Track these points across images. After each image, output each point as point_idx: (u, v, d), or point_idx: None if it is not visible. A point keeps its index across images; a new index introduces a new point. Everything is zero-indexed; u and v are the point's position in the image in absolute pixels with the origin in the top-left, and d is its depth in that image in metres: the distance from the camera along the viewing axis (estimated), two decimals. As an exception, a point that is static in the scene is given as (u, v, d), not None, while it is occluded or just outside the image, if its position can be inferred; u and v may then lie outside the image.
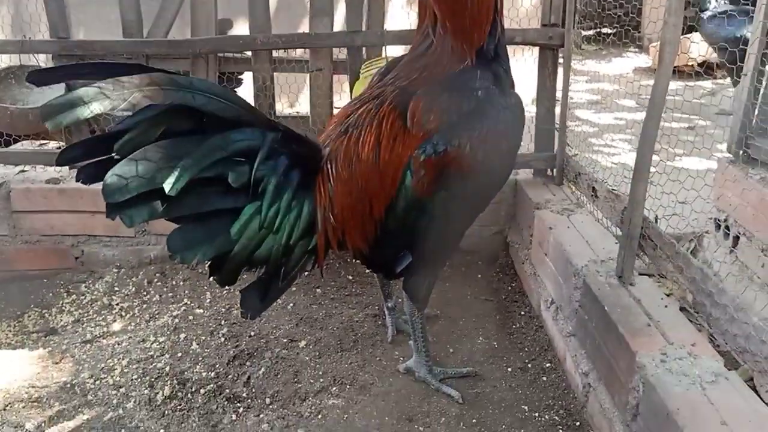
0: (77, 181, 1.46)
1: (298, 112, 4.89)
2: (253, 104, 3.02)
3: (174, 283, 2.83)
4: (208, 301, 2.70)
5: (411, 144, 1.68)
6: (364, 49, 2.98)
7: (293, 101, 5.00)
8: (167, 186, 1.41)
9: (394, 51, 2.85)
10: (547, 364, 2.24)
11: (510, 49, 1.80)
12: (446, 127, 1.67)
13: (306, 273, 1.81)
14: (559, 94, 2.83)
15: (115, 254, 2.96)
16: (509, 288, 2.77)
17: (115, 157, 1.41)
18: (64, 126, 1.37)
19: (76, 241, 2.96)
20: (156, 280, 2.85)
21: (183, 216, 1.53)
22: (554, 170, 2.90)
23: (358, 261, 1.89)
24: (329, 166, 1.74)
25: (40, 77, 1.46)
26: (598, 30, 6.92)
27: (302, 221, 1.68)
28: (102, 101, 1.35)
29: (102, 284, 2.84)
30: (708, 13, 5.49)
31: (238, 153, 1.55)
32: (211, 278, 1.67)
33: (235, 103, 1.54)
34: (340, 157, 1.74)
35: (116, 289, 2.81)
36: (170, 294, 2.77)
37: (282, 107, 4.73)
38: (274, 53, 2.98)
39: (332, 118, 1.94)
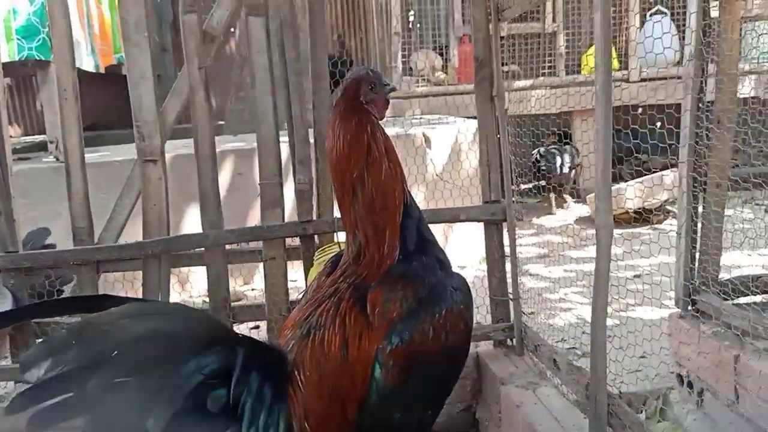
0: None
1: (253, 294, 4.88)
2: (207, 298, 3.03)
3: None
4: None
5: (376, 337, 1.67)
6: (316, 236, 3.05)
7: (248, 279, 5.02)
8: (151, 426, 1.33)
9: (346, 237, 2.92)
10: None
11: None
12: (407, 315, 1.68)
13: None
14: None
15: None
16: (484, 471, 2.66)
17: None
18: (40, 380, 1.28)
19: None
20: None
21: None
22: (514, 340, 2.91)
23: None
24: (297, 372, 1.69)
25: None
26: (536, 184, 7.35)
27: None
28: (81, 345, 1.30)
29: None
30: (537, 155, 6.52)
31: (212, 375, 1.49)
32: None
33: (205, 322, 1.53)
34: (307, 361, 1.69)
35: None
36: None
37: (235, 284, 4.74)
38: (227, 246, 3.03)
39: (288, 320, 1.93)
